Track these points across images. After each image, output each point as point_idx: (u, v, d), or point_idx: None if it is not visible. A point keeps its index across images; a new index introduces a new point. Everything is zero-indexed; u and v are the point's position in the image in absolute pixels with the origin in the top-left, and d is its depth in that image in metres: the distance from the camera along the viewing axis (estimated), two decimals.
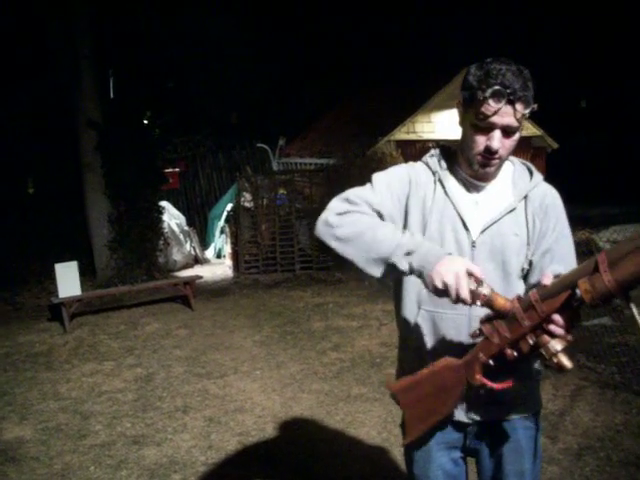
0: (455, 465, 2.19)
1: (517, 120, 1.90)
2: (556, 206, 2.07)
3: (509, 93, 1.86)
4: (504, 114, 1.89)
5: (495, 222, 2.02)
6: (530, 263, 2.03)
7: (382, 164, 11.06)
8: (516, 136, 1.96)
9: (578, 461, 4.12)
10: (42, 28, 11.07)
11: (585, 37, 19.39)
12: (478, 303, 1.73)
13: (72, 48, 10.70)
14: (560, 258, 2.00)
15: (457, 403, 2.00)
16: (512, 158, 2.12)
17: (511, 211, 2.03)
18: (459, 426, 2.13)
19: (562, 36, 19.47)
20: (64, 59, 10.84)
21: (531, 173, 2.12)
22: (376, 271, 1.88)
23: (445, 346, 2.03)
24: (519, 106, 1.88)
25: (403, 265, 1.81)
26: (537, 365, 2.12)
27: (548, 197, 2.07)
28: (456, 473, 2.20)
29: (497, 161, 1.98)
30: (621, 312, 7.30)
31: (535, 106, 1.93)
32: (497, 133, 1.92)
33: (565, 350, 1.68)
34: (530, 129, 12.68)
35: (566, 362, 1.68)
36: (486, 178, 2.06)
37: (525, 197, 2.06)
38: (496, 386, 1.82)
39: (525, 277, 2.05)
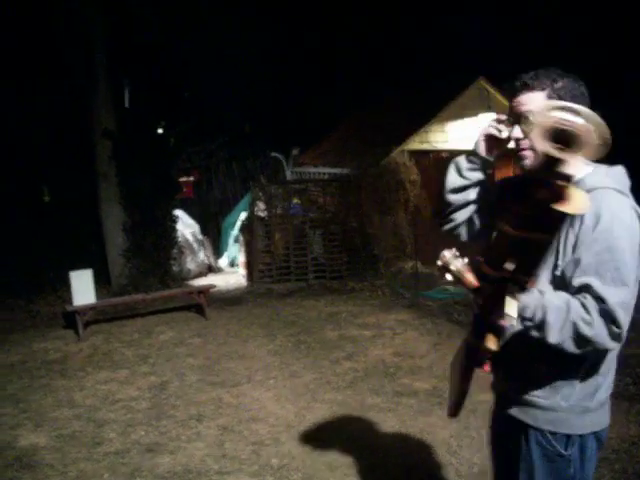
0: None
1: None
2: None
3: (520, 83, 2.02)
4: (519, 104, 2.03)
5: None
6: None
7: (396, 174, 11.07)
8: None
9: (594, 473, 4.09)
10: (58, 37, 11.16)
11: (601, 46, 19.33)
12: (448, 275, 1.87)
13: (88, 57, 10.80)
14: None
15: (464, 383, 2.20)
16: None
17: None
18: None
19: (576, 47, 19.42)
20: (80, 68, 10.93)
21: None
22: None
23: None
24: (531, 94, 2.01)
25: None
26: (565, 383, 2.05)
27: None
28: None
29: (526, 153, 2.06)
30: (638, 324, 7.26)
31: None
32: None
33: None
34: None
35: (490, 344, 1.88)
36: None
37: None
38: (484, 368, 1.95)
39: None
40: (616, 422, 4.83)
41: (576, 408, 2.06)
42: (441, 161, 11.89)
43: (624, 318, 1.83)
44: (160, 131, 12.29)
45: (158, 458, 4.71)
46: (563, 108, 1.66)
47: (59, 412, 5.78)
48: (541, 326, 1.87)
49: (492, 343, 1.91)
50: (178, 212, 12.42)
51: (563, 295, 1.90)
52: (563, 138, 1.61)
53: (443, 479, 4.19)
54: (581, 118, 1.63)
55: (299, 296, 10.47)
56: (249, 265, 11.85)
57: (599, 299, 1.83)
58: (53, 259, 10.60)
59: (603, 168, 2.07)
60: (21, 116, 11.00)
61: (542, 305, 1.86)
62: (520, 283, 1.80)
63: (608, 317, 1.81)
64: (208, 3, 13.90)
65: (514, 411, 2.18)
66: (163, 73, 12.20)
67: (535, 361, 2.06)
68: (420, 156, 11.64)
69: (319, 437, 4.93)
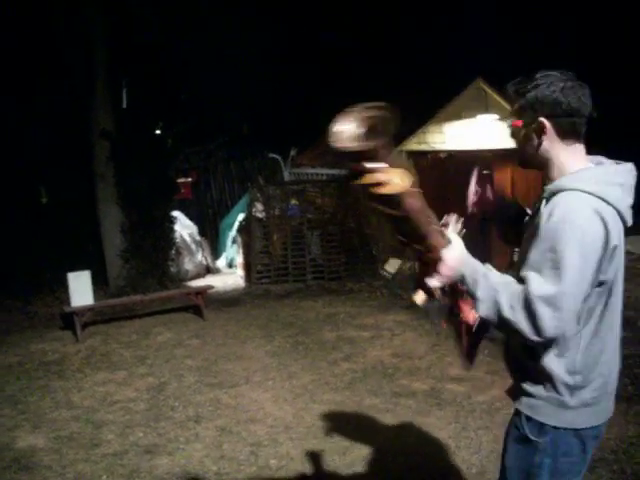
0: None
1: (511, 114, 2.17)
2: None
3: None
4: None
5: None
6: None
7: None
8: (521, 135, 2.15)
9: (591, 474, 4.09)
10: (58, 37, 11.16)
11: (599, 46, 19.35)
12: None
13: (87, 57, 10.79)
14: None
15: (461, 345, 2.41)
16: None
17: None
18: None
19: (576, 47, 19.42)
20: (79, 69, 10.93)
21: None
22: None
23: None
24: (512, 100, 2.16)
25: None
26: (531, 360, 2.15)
27: None
28: None
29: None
30: (634, 324, 7.29)
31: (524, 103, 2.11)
32: None
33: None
34: None
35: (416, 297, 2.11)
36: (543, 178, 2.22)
37: None
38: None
39: None
40: (614, 423, 4.84)
41: (553, 400, 2.12)
42: (439, 162, 11.90)
43: (546, 314, 1.89)
44: (158, 132, 12.29)
45: (156, 459, 4.70)
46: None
47: (57, 413, 5.77)
48: (474, 298, 2.03)
49: (419, 298, 2.12)
50: (176, 213, 12.43)
51: (506, 278, 2.04)
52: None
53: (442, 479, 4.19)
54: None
55: (297, 297, 10.47)
56: (247, 266, 11.85)
57: (528, 291, 1.92)
58: (51, 260, 10.60)
59: (602, 168, 2.11)
60: (19, 116, 10.99)
61: (475, 280, 2.02)
62: (418, 250, 2.07)
63: (529, 308, 1.90)
64: (207, 3, 13.89)
65: (516, 403, 2.25)
66: (161, 73, 12.18)
67: (526, 357, 2.15)
68: (418, 157, 11.63)
69: (317, 438, 4.92)
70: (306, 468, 4.43)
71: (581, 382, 2.10)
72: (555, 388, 2.10)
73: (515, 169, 12.87)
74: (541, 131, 2.07)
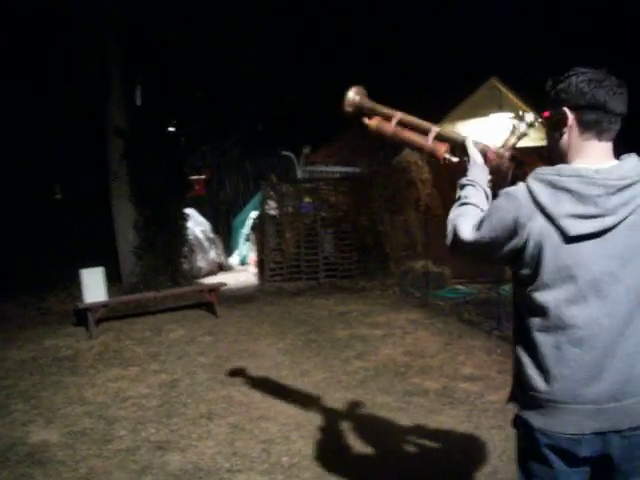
0: None
1: (543, 106, 2.14)
2: None
3: None
4: None
5: None
6: None
7: (407, 173, 11.04)
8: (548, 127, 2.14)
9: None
10: (73, 35, 11.20)
11: (607, 46, 19.23)
12: None
13: (101, 55, 10.83)
14: None
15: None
16: None
17: None
18: None
19: (586, 45, 19.33)
20: (93, 66, 10.97)
21: None
22: None
23: None
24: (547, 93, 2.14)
25: None
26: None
27: None
28: None
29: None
30: None
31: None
32: None
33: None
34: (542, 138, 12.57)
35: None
36: None
37: None
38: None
39: None
40: None
41: (525, 391, 2.10)
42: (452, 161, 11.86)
43: (449, 230, 2.22)
44: (172, 129, 12.32)
45: (168, 456, 4.71)
46: None
47: (70, 409, 5.80)
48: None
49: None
50: (189, 210, 12.46)
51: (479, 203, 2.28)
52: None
53: (455, 479, 4.17)
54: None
55: (310, 295, 10.46)
56: (260, 263, 11.86)
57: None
58: (64, 256, 10.64)
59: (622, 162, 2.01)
60: (34, 115, 11.04)
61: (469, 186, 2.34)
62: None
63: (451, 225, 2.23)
64: (221, 1, 13.90)
65: None
66: (175, 72, 12.21)
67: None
68: (432, 155, 11.61)
69: (329, 436, 4.92)
70: (318, 466, 4.42)
71: (540, 384, 2.14)
72: (524, 383, 2.18)
73: (529, 166, 12.82)
74: (563, 122, 2.01)
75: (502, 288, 8.43)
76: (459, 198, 2.31)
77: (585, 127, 1.99)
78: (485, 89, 12.22)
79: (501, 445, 4.55)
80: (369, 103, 2.96)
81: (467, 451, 4.54)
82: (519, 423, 2.15)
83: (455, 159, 2.57)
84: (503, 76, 12.26)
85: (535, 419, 2.05)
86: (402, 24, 22.92)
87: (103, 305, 8.66)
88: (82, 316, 8.66)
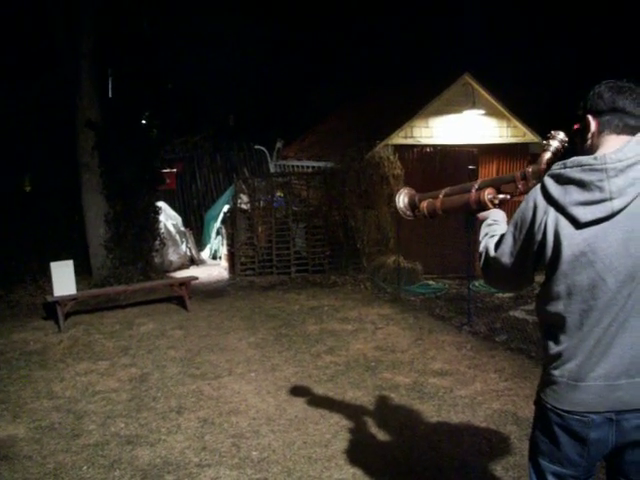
0: None
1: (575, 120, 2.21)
2: None
3: None
4: None
5: None
6: None
7: (379, 168, 11.06)
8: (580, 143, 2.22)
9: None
10: (44, 26, 11.06)
11: (592, 41, 19.38)
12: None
13: (73, 47, 10.70)
14: None
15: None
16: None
17: None
18: None
19: (567, 41, 19.47)
20: (64, 58, 10.84)
21: None
22: None
23: None
24: None
25: None
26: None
27: None
28: None
29: None
30: None
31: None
32: None
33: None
34: (528, 135, 12.69)
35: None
36: None
37: None
38: None
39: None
40: None
41: (545, 370, 2.22)
42: (425, 156, 11.91)
43: (481, 251, 2.42)
44: (143, 122, 12.22)
45: (138, 450, 4.69)
46: None
47: (38, 403, 5.74)
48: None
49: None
50: (161, 203, 12.38)
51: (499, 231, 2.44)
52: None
53: (423, 473, 4.20)
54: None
55: (281, 289, 10.47)
56: (231, 258, 11.84)
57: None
58: (34, 249, 10.53)
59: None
60: (2, 105, 10.89)
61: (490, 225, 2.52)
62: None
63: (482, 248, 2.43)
64: None
65: None
66: (148, 63, 12.11)
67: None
68: (404, 151, 11.63)
69: (299, 430, 4.93)
70: (287, 460, 4.43)
71: (560, 364, 2.24)
72: (547, 363, 2.29)
73: (500, 164, 12.92)
74: (587, 128, 2.12)
75: (473, 284, 8.50)
76: (487, 234, 2.46)
77: (605, 127, 2.09)
78: (458, 85, 12.24)
79: (469, 439, 4.60)
80: (418, 195, 3.14)
81: (436, 445, 4.57)
82: (536, 401, 2.28)
83: (502, 196, 2.63)
84: (475, 73, 12.31)
85: (549, 397, 2.18)
86: (375, 20, 22.96)
87: (73, 298, 8.59)
88: (51, 309, 8.59)
